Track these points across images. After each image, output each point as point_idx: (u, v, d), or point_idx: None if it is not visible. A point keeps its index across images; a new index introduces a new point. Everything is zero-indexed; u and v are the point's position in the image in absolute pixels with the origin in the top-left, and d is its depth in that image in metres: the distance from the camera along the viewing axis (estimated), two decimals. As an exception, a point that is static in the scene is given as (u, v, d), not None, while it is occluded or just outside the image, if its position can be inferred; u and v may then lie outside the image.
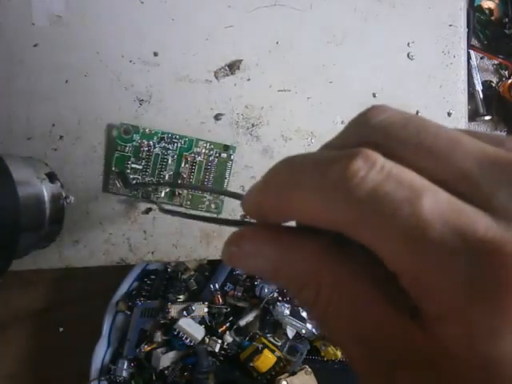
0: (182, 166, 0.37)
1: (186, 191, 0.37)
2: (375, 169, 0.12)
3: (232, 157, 0.38)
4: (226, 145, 0.38)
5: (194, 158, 0.37)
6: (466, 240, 0.11)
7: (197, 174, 0.38)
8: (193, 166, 0.37)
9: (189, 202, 0.37)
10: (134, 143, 0.37)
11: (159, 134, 0.37)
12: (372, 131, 0.14)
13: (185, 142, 0.37)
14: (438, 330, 0.12)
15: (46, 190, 0.33)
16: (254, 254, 0.15)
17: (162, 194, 0.37)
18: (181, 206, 0.38)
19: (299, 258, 0.14)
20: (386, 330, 0.13)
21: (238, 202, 0.38)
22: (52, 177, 0.34)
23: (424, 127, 0.13)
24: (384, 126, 0.14)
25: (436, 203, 0.12)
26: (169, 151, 0.37)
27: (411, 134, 0.13)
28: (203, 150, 0.37)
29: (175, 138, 0.37)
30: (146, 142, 0.37)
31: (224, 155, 0.38)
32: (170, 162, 0.37)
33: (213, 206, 0.38)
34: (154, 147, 0.37)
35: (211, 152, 0.38)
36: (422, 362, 0.12)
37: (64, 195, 0.35)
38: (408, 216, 0.12)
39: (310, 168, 0.13)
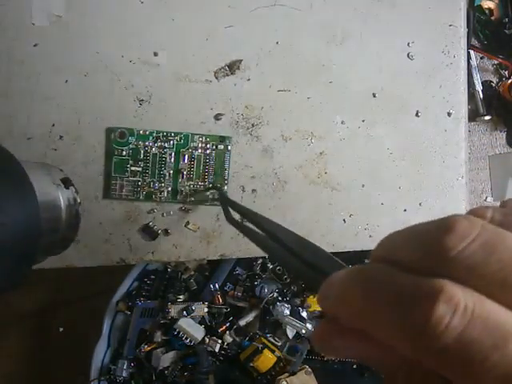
0: (181, 162, 0.37)
1: (187, 187, 0.37)
2: (459, 312, 0.12)
3: (229, 147, 0.38)
4: (221, 136, 0.38)
5: (192, 152, 0.37)
6: None
7: (197, 169, 0.38)
8: (191, 161, 0.37)
9: (192, 198, 0.38)
10: (131, 146, 0.37)
11: (154, 134, 0.37)
12: (451, 266, 0.13)
13: (180, 138, 0.37)
14: None
15: (62, 196, 0.33)
16: (344, 348, 0.16)
17: (165, 193, 0.37)
18: (184, 202, 0.38)
19: (389, 352, 0.15)
20: None
21: (239, 196, 0.38)
22: (66, 182, 0.34)
23: (509, 259, 0.13)
24: (464, 262, 0.13)
25: None
26: (166, 149, 0.37)
27: (494, 269, 0.13)
28: (200, 144, 0.38)
29: (170, 135, 0.37)
30: (142, 144, 0.37)
31: (221, 146, 0.38)
32: (168, 160, 0.37)
33: (216, 202, 0.38)
34: (151, 147, 0.37)
35: (208, 145, 0.38)
36: None
37: (79, 200, 0.35)
38: (497, 364, 0.12)
39: (390, 301, 0.13)
